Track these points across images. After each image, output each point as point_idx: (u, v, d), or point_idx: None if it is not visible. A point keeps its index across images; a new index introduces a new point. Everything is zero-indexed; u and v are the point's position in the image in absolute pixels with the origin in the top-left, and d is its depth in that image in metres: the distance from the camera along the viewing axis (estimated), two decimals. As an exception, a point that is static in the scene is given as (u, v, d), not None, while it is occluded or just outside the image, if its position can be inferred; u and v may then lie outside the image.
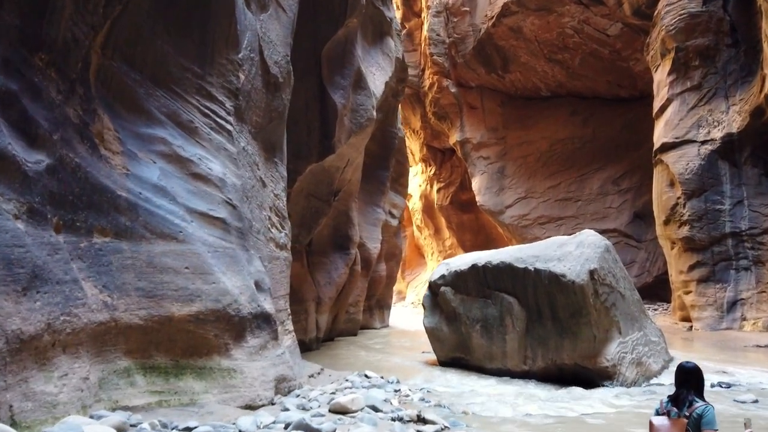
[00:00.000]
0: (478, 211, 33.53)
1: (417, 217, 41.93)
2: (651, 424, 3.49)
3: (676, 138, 18.46)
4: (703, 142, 17.76)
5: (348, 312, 18.42)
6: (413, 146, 39.23)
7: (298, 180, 13.66)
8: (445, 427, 6.06)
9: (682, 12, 18.76)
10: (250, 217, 8.13)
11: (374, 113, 14.90)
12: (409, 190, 39.16)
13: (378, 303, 21.94)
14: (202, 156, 7.33)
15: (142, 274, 6.14)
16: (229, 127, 7.96)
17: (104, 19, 6.00)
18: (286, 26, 9.83)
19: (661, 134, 19.27)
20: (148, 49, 6.91)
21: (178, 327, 6.27)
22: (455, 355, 11.58)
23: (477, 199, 31.69)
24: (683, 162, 18.06)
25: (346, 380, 9.13)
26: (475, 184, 31.81)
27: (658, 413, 3.56)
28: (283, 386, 7.56)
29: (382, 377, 9.75)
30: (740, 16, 17.87)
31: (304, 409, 6.46)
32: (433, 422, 6.11)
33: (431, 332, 12.07)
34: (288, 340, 9.50)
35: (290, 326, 9.90)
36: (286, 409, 6.26)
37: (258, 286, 7.68)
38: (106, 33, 6.25)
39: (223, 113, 7.90)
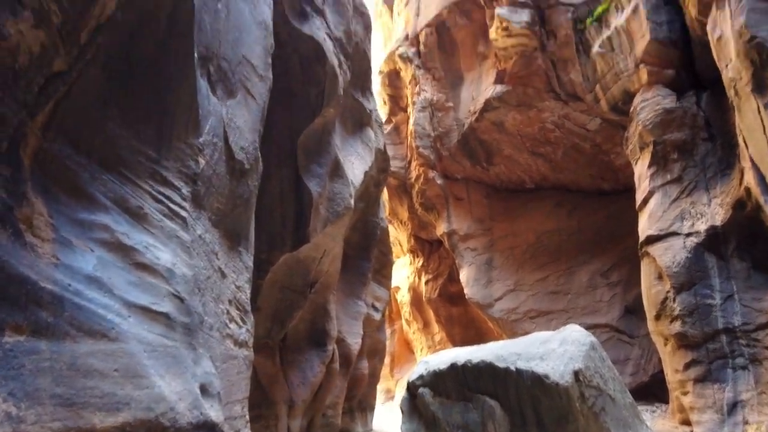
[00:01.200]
0: (467, 304, 32.65)
1: (405, 311, 40.85)
2: None
3: (661, 230, 18.21)
4: (688, 235, 17.49)
5: (325, 415, 17.12)
6: (401, 237, 38.97)
7: (270, 271, 13.08)
8: None
9: (657, 108, 19.17)
10: (201, 312, 7.45)
11: (352, 202, 14.60)
12: (398, 283, 38.41)
13: (360, 404, 20.58)
14: (150, 244, 6.78)
15: (61, 378, 5.38)
16: (183, 213, 7.49)
17: (45, 99, 5.66)
18: (255, 113, 9.66)
19: (645, 226, 19.05)
20: (97, 132, 6.55)
21: (99, 441, 5.42)
22: (435, 466, 10.46)
23: (465, 291, 30.95)
24: (669, 254, 17.69)
25: (307, 499, 8.04)
26: (463, 275, 31.22)
27: None
28: None
29: (349, 494, 8.65)
30: (713, 111, 18.25)
31: None
32: None
33: (409, 440, 10.99)
34: (243, 451, 8.50)
35: (247, 434, 8.92)
36: None
37: (204, 390, 6.87)
38: (49, 114, 5.91)
39: (178, 199, 7.45)
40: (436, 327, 37.62)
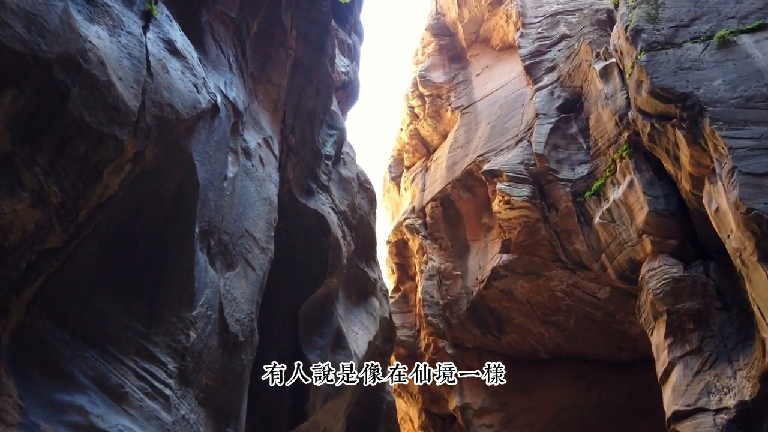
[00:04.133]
0: (485, 490, 29.59)
1: (417, 497, 36.95)
2: None
3: (687, 406, 16.94)
4: (717, 411, 16.20)
5: None
6: (411, 412, 36.65)
7: (263, 453, 12.07)
8: None
9: (666, 277, 18.99)
10: (174, 506, 6.67)
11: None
12: (408, 463, 35.27)
13: None
14: (125, 427, 6.29)
15: None
16: (167, 391, 7.08)
17: (34, 275, 5.66)
18: (254, 284, 9.63)
19: (670, 401, 17.79)
20: (84, 308, 6.47)
21: None
22: None
23: (481, 474, 28.22)
24: (701, 434, 16.25)
25: None
26: (479, 456, 28.69)
27: None
28: None
29: None
30: (723, 280, 18.02)
31: None
32: None
33: None
34: None
35: None
36: None
37: None
38: (37, 289, 5.88)
39: (163, 376, 7.10)
40: None
